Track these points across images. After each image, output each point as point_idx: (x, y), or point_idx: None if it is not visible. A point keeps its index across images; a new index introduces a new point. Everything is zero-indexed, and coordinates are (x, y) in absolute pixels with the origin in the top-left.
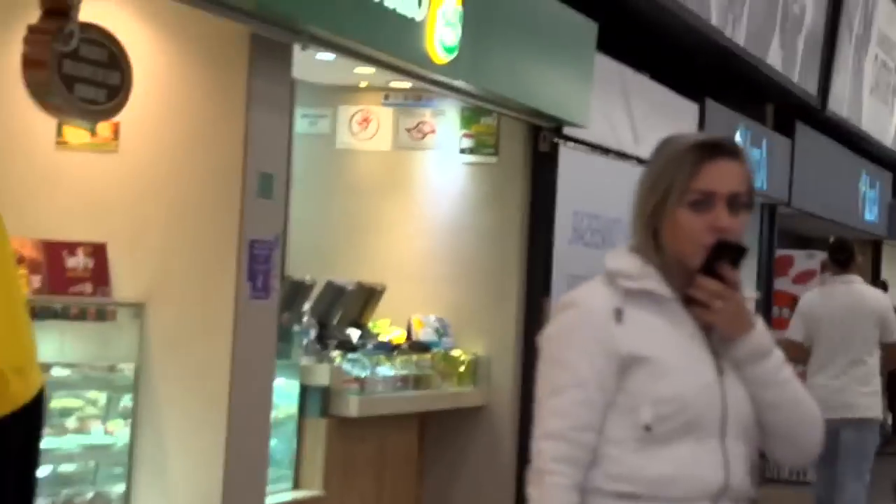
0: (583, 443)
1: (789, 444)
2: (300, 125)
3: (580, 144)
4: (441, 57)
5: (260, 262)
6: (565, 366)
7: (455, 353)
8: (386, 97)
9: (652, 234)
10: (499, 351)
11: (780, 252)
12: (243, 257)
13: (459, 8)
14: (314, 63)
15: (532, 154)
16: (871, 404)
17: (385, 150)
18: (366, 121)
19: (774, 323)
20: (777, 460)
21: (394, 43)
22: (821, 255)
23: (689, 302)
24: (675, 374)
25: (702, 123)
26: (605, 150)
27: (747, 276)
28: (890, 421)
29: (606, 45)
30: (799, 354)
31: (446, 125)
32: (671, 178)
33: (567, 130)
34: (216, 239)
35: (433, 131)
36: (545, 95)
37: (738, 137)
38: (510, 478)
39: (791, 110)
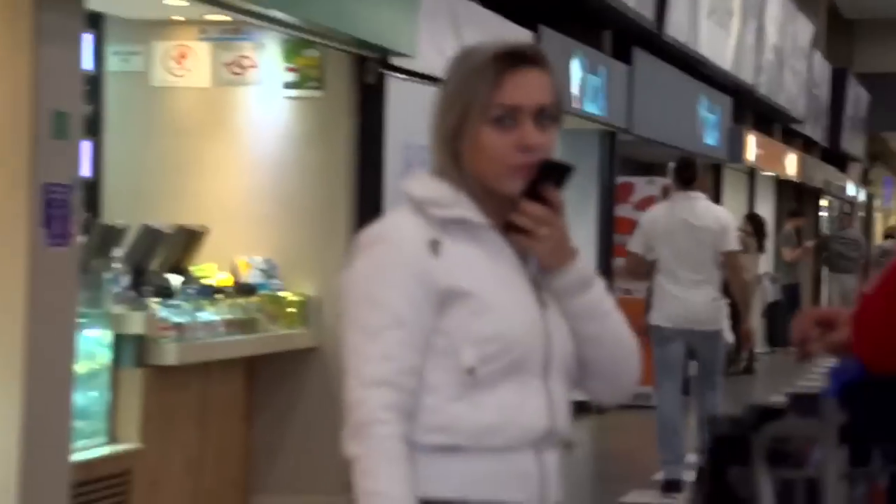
0: (409, 388)
1: (608, 380)
2: (112, 63)
3: (409, 75)
4: None
5: (56, 207)
6: (381, 305)
7: (283, 294)
8: (203, 31)
9: (453, 157)
10: (330, 291)
11: (620, 179)
12: (36, 202)
13: None
14: None
15: (358, 87)
16: (717, 317)
17: (204, 86)
18: (182, 56)
19: (617, 251)
20: (594, 398)
21: None
22: (661, 181)
23: (508, 229)
24: (499, 310)
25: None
26: (436, 80)
27: (587, 203)
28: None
29: None
30: (637, 266)
31: (268, 59)
32: (470, 93)
33: (395, 61)
34: (4, 183)
35: (254, 66)
36: (369, 25)
37: (574, 65)
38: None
39: (628, 36)
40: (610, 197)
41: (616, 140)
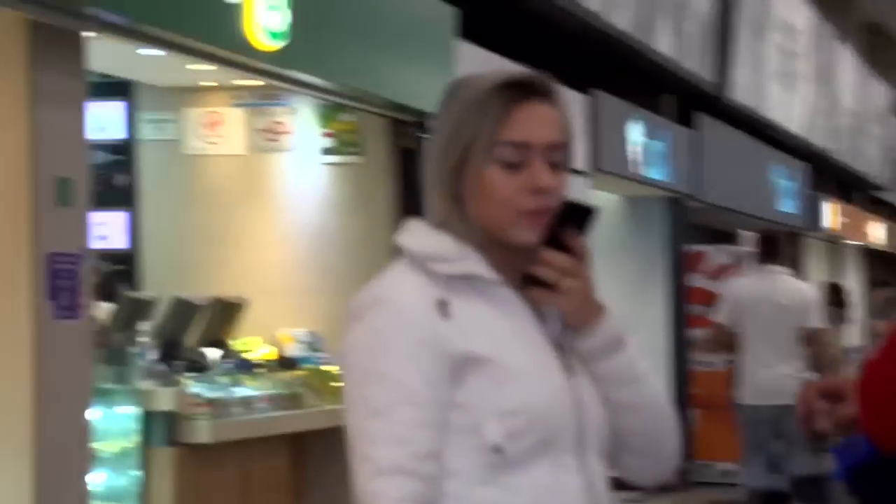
0: (429, 475)
1: (646, 454)
2: (145, 131)
3: None
4: (266, 43)
5: (64, 278)
6: (387, 378)
7: (328, 368)
8: (235, 97)
9: (455, 204)
10: None
11: (691, 248)
12: (40, 272)
13: None
14: (145, 61)
15: (396, 151)
16: None
17: (238, 153)
18: (215, 123)
19: (690, 321)
20: (629, 476)
21: (202, 26)
22: (734, 250)
23: (525, 284)
24: (523, 378)
25: (593, 116)
26: None
27: (656, 273)
28: None
29: (482, 36)
30: (722, 336)
31: (303, 124)
32: (472, 129)
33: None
34: (4, 252)
35: (288, 132)
36: (404, 87)
37: (633, 129)
38: None
39: (690, 101)
40: (680, 266)
41: (683, 207)
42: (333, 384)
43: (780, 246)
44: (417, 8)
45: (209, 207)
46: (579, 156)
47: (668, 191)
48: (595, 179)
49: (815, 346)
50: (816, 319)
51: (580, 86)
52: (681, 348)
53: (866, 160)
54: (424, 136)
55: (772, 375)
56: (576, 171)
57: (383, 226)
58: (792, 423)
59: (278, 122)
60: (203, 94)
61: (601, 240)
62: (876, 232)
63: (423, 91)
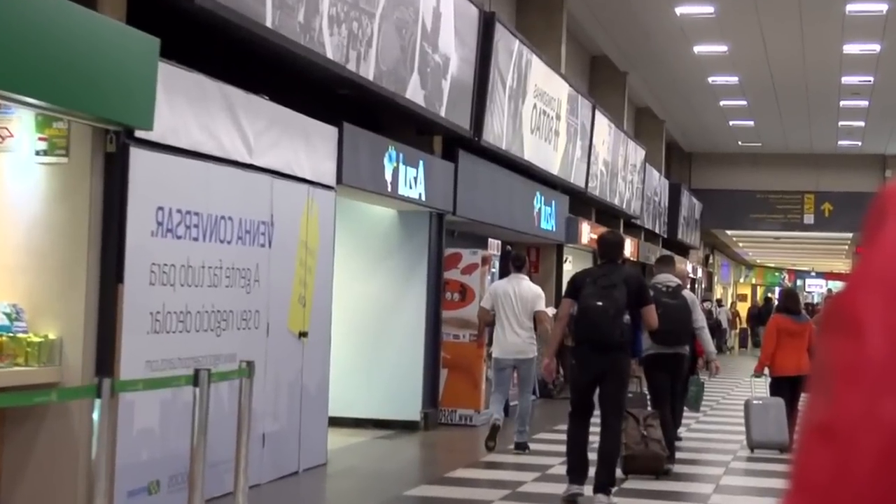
0: None
1: None
2: None
3: (170, 148)
4: None
5: None
6: None
7: (24, 336)
8: None
9: None
10: (70, 334)
11: (451, 250)
12: None
13: None
14: None
15: (101, 155)
16: (531, 349)
17: None
18: None
19: (446, 305)
20: None
21: None
22: (483, 252)
23: None
24: None
25: (340, 145)
26: (207, 157)
27: (420, 268)
28: (562, 374)
29: (222, 70)
30: (486, 316)
31: (23, 130)
32: None
33: (155, 136)
34: None
35: (11, 135)
36: (108, 103)
37: (387, 159)
38: (84, 445)
39: (453, 141)
40: (439, 263)
41: (444, 219)
42: (27, 349)
43: (525, 261)
44: (123, 39)
45: None
46: (327, 173)
47: (421, 206)
48: (340, 192)
49: (539, 323)
50: (541, 306)
51: (335, 119)
52: (436, 324)
53: (620, 197)
54: (128, 142)
55: (513, 339)
56: (324, 186)
57: (84, 216)
58: (523, 371)
59: (3, 127)
60: None
61: (378, 242)
62: (626, 247)
63: (126, 106)
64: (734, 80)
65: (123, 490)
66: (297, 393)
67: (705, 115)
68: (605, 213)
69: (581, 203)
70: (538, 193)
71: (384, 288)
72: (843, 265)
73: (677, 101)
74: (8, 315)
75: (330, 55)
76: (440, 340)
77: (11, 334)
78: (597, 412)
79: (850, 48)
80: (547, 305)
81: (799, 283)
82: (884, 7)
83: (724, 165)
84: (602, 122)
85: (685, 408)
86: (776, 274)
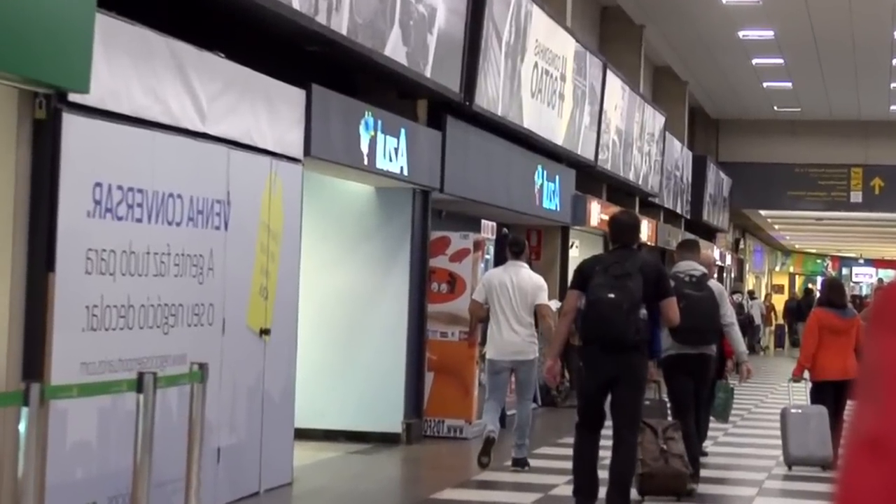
0: None
1: None
2: None
3: (110, 114)
4: None
5: None
6: None
7: None
8: None
9: None
10: None
11: (438, 234)
12: None
13: None
14: None
15: (29, 122)
16: (531, 349)
17: None
18: None
19: (433, 297)
20: None
21: None
22: (475, 236)
23: None
24: None
25: (308, 111)
26: (152, 124)
27: (401, 254)
28: (567, 378)
29: (171, 24)
30: (479, 310)
31: None
32: None
33: (92, 100)
34: None
35: None
36: (36, 62)
37: (363, 127)
38: (9, 462)
39: (441, 106)
40: (423, 248)
41: (428, 197)
42: None
43: (524, 247)
44: None
45: None
46: (293, 143)
47: (402, 181)
48: (308, 165)
49: (541, 318)
50: (543, 298)
51: (301, 81)
52: (420, 320)
53: (635, 171)
54: (61, 107)
55: (509, 337)
56: (289, 158)
57: (9, 194)
58: (522, 375)
59: None
60: None
61: (353, 224)
62: (643, 230)
63: (58, 65)
64: (769, 34)
65: None
66: (257, 400)
67: (735, 75)
68: (618, 191)
69: (590, 178)
70: (540, 167)
71: (360, 278)
72: None
73: (702, 59)
74: None
75: (296, 5)
76: (425, 339)
77: None
78: (608, 423)
79: None
80: (550, 298)
81: (844, 271)
82: None
83: (757, 134)
84: (614, 83)
85: (711, 418)
86: (818, 261)
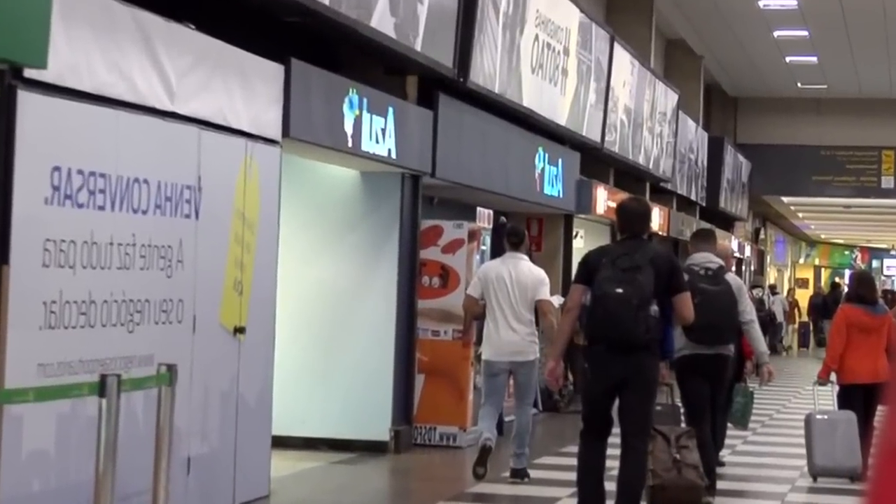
0: None
1: None
2: None
3: (70, 91)
4: None
5: None
6: None
7: None
8: None
9: None
10: None
11: (429, 222)
12: None
13: None
14: None
15: None
16: (531, 349)
17: None
18: None
19: (423, 293)
20: None
21: None
22: (469, 225)
23: None
24: None
25: (287, 88)
26: (117, 103)
27: (388, 245)
28: (571, 381)
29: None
30: (474, 306)
31: None
32: None
33: (50, 76)
34: None
35: None
36: None
37: (347, 106)
38: None
39: (432, 82)
40: (413, 239)
41: (418, 182)
42: None
43: (523, 237)
44: None
45: None
46: (271, 124)
47: (390, 165)
48: (287, 147)
49: (541, 314)
50: (545, 294)
51: (280, 56)
52: (410, 317)
53: (645, 154)
54: (15, 84)
55: (509, 337)
56: (266, 140)
57: None
58: (521, 377)
59: None
60: None
61: (336, 212)
62: (654, 218)
63: (13, 38)
64: (792, 3)
65: None
66: (231, 405)
67: (755, 48)
68: (627, 175)
69: (596, 162)
70: (541, 150)
71: (343, 271)
72: None
73: (719, 31)
74: None
75: None
76: (415, 338)
77: None
78: (616, 430)
79: None
80: (552, 293)
81: (875, 264)
82: None
83: (779, 114)
84: (623, 58)
85: (729, 424)
86: (846, 253)
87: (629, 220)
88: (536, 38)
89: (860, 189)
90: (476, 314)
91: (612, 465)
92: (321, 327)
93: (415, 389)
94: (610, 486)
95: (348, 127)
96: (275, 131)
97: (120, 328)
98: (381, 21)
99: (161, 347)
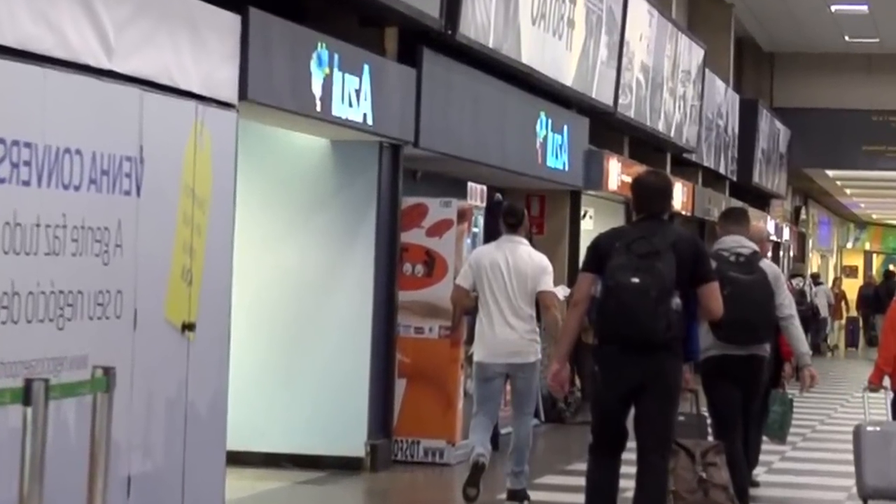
0: None
1: None
2: None
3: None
4: None
5: None
6: None
7: None
8: None
9: None
10: None
11: (412, 200)
12: None
13: None
14: None
15: None
16: (531, 349)
17: None
18: None
19: (405, 283)
20: None
21: None
22: (459, 203)
23: None
24: None
25: (245, 42)
26: (44, 59)
27: (364, 227)
28: (579, 386)
29: None
30: (464, 299)
31: None
32: None
33: None
34: None
35: None
36: None
37: (315, 63)
38: None
39: (415, 36)
40: (394, 220)
41: (399, 154)
42: None
43: (521, 217)
44: None
45: None
46: (225, 84)
47: (366, 133)
48: (244, 112)
49: (543, 309)
50: (547, 284)
51: (239, 5)
52: (389, 312)
53: (666, 120)
54: None
55: (505, 334)
56: (220, 103)
57: None
58: (520, 382)
59: None
60: None
61: (302, 188)
62: (676, 195)
63: None
64: None
65: None
66: (179, 415)
67: None
68: (644, 145)
69: (608, 129)
70: (543, 115)
71: (311, 257)
72: None
73: None
74: None
75: None
76: (395, 336)
77: None
78: (631, 444)
79: None
80: (556, 283)
81: None
82: None
83: (823, 73)
84: (639, 6)
85: (765, 438)
86: None
87: (647, 198)
88: None
89: None
90: (467, 308)
91: (627, 485)
92: (285, 324)
93: (395, 397)
94: None
95: (316, 88)
96: (230, 93)
97: (48, 324)
98: None
99: (96, 347)
